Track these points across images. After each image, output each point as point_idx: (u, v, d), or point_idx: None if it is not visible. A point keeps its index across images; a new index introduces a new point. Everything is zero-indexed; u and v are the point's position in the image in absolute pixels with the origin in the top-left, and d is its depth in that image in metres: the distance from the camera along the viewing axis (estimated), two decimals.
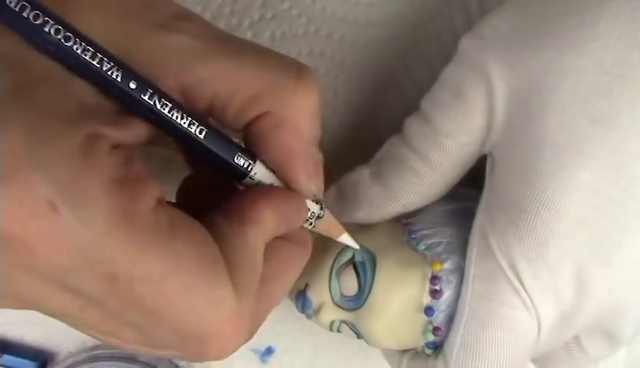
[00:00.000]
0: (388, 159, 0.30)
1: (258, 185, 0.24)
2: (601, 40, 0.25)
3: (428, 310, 0.28)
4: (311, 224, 0.26)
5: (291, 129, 0.22)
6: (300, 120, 0.22)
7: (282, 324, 0.40)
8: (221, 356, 0.21)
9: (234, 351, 0.22)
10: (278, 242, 0.24)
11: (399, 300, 0.29)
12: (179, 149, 0.28)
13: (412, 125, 0.29)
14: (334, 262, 0.30)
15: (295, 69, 0.22)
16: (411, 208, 0.30)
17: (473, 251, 0.28)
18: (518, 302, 0.27)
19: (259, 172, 0.23)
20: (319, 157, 0.24)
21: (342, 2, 0.33)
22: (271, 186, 0.24)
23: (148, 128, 0.22)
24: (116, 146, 0.20)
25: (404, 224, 0.30)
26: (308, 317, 0.31)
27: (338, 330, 0.31)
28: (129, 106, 0.20)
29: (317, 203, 0.26)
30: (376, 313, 0.29)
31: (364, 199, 0.31)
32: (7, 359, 0.39)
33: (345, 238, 0.28)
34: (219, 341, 0.21)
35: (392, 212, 0.30)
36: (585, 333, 0.29)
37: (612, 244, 0.25)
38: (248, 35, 0.34)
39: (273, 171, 0.23)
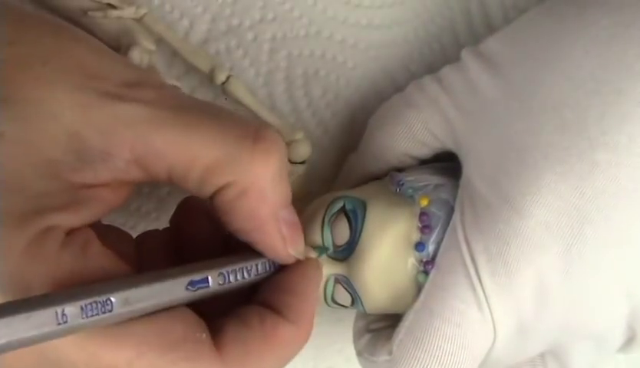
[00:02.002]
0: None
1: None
2: (575, 59, 0.26)
3: (419, 246, 0.28)
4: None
5: (256, 197, 0.22)
6: (264, 186, 0.22)
7: None
8: None
9: None
10: (279, 322, 0.23)
11: (388, 238, 0.29)
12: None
13: (391, 97, 0.32)
14: (325, 213, 0.30)
15: (251, 134, 0.22)
16: (379, 171, 0.32)
17: (443, 244, 0.28)
18: (471, 298, 0.26)
19: None
20: (293, 218, 0.24)
21: (344, 4, 0.33)
22: (301, 279, 0.25)
23: (112, 198, 0.22)
24: (72, 232, 0.20)
25: (392, 176, 0.31)
26: None
27: (333, 299, 0.31)
28: None
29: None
30: (367, 255, 0.29)
31: (346, 168, 0.33)
32: None
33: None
34: None
35: (360, 173, 0.32)
36: (548, 352, 0.28)
37: (575, 256, 0.25)
38: (249, 36, 0.34)
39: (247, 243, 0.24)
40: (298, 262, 0.25)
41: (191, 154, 0.21)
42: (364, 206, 0.30)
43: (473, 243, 0.26)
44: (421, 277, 0.29)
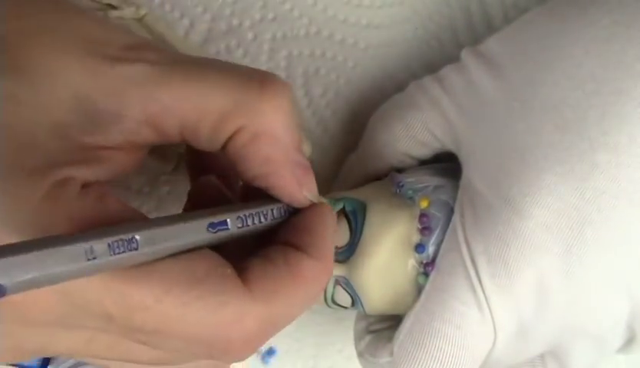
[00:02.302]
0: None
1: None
2: (575, 59, 0.25)
3: (419, 248, 0.28)
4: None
5: (269, 140, 0.22)
6: (276, 128, 0.22)
7: None
8: (240, 357, 0.22)
9: (249, 352, 0.22)
10: (304, 258, 0.23)
11: (389, 240, 0.29)
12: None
13: (392, 97, 0.32)
14: None
15: (257, 79, 0.22)
16: (379, 171, 0.32)
17: (443, 245, 0.28)
18: (471, 299, 0.26)
19: None
20: (304, 161, 0.24)
21: (344, 4, 0.34)
22: (323, 211, 0.25)
23: (124, 161, 0.22)
24: (88, 185, 0.20)
25: (392, 177, 0.31)
26: None
27: (333, 300, 0.31)
28: None
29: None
30: (367, 257, 0.29)
31: (346, 169, 0.33)
32: None
33: None
34: (238, 346, 0.21)
35: (360, 173, 0.32)
36: (548, 352, 0.28)
37: (575, 257, 0.25)
38: (249, 36, 0.34)
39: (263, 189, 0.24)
40: (313, 205, 0.25)
41: (200, 105, 0.21)
42: (364, 208, 0.29)
43: (473, 244, 0.26)
44: (421, 279, 0.29)
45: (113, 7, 0.30)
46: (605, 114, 0.24)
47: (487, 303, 0.26)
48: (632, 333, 0.26)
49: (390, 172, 0.31)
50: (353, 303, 0.30)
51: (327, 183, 0.36)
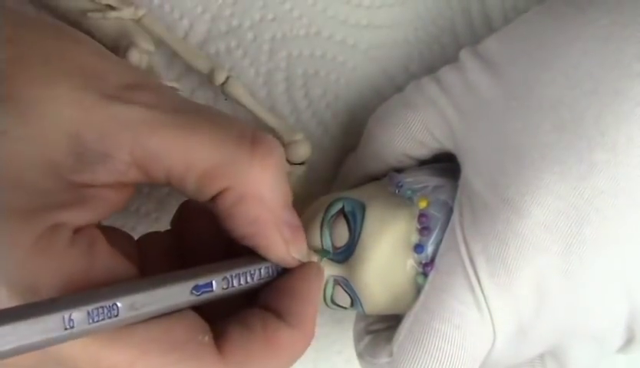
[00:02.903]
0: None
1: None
2: (573, 58, 0.25)
3: (417, 248, 0.28)
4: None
5: (255, 202, 0.22)
6: (264, 190, 0.22)
7: None
8: None
9: None
10: (282, 327, 0.23)
11: (387, 240, 0.29)
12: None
13: (391, 98, 0.32)
14: (324, 214, 0.30)
15: (249, 138, 0.22)
16: (378, 172, 0.32)
17: (442, 245, 0.28)
18: (470, 299, 0.26)
19: None
20: (295, 220, 0.24)
21: (344, 4, 0.33)
22: (305, 286, 0.25)
23: (114, 199, 0.22)
24: (79, 230, 0.20)
25: (391, 177, 0.31)
26: None
27: (332, 301, 0.31)
28: None
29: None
30: (366, 257, 0.29)
31: (345, 169, 0.33)
32: None
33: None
34: None
35: (359, 173, 0.32)
36: (547, 353, 0.28)
37: (574, 257, 0.25)
38: (248, 37, 0.34)
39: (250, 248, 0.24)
40: (301, 266, 0.25)
41: (188, 158, 0.21)
42: (363, 208, 0.29)
43: (471, 244, 0.26)
44: (420, 279, 0.28)
45: (111, 7, 0.29)
46: (602, 114, 0.24)
47: (486, 303, 0.26)
48: (632, 333, 0.26)
49: (389, 172, 0.31)
50: (352, 304, 0.30)
51: (327, 184, 0.36)
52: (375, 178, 0.32)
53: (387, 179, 0.31)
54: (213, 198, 0.22)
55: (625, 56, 0.24)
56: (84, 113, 0.20)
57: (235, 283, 0.23)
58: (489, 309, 0.26)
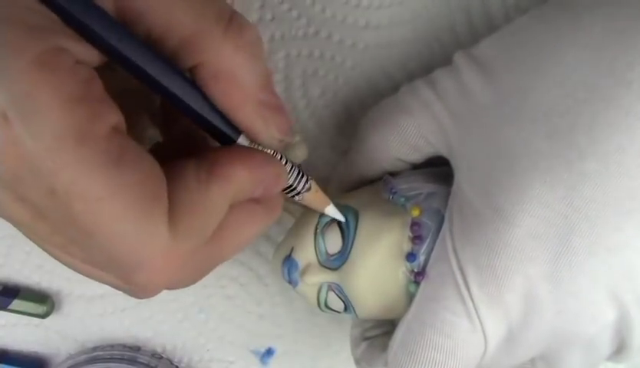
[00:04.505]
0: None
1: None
2: (567, 65, 0.25)
3: (410, 256, 0.28)
4: (295, 194, 0.27)
5: (228, 81, 0.22)
6: (237, 69, 0.22)
7: (281, 326, 0.40)
8: (149, 287, 0.22)
9: (163, 287, 0.22)
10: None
11: (380, 248, 0.29)
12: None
13: (384, 100, 0.32)
14: (318, 221, 0.30)
15: (226, 16, 0.22)
16: (372, 175, 0.32)
17: (433, 254, 0.28)
18: (461, 309, 0.26)
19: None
20: (274, 100, 0.24)
21: (342, 4, 0.33)
22: (253, 149, 0.24)
23: None
24: (80, 62, 0.20)
25: (385, 182, 0.31)
26: (295, 284, 0.31)
27: (326, 305, 0.31)
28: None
29: (303, 176, 0.26)
30: (359, 265, 0.29)
31: (339, 171, 0.33)
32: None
33: (331, 210, 0.28)
34: (147, 273, 0.21)
35: (353, 176, 0.32)
36: (538, 358, 0.28)
37: (564, 265, 0.25)
38: None
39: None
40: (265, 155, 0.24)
41: (168, 22, 0.21)
42: (356, 215, 0.29)
43: (461, 253, 0.26)
44: (412, 287, 0.29)
45: None
46: (594, 123, 0.24)
47: (476, 313, 0.26)
48: (621, 340, 0.26)
49: (383, 176, 0.31)
50: (345, 309, 0.30)
51: (326, 183, 0.35)
52: (369, 180, 0.32)
53: (381, 184, 0.31)
54: (192, 70, 0.22)
55: (619, 64, 0.24)
56: None
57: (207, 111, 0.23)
58: (479, 318, 0.26)
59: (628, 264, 0.25)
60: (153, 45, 0.22)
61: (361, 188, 0.32)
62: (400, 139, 0.30)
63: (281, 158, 0.26)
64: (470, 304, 0.26)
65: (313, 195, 0.27)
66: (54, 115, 0.19)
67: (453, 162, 0.29)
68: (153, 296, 0.23)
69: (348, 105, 0.35)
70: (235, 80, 0.22)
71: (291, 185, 0.26)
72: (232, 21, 0.22)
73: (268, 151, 0.25)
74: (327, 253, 0.30)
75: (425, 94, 0.29)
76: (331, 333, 0.39)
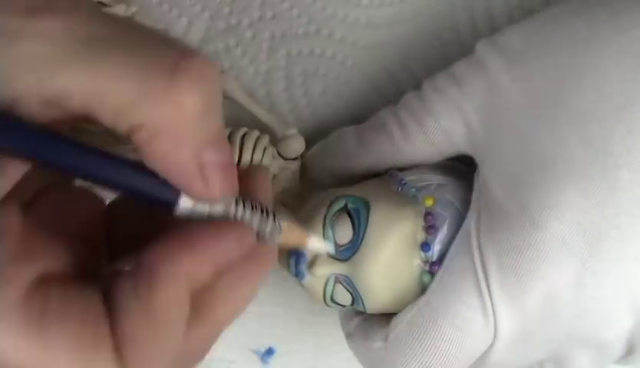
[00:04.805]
0: (375, 120, 0.31)
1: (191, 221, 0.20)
2: (604, 69, 0.25)
3: (424, 246, 0.28)
4: (266, 232, 0.23)
5: (169, 140, 0.19)
6: (182, 126, 0.19)
7: (282, 325, 0.40)
8: None
9: None
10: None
11: (394, 238, 0.28)
12: None
13: (407, 97, 0.30)
14: (327, 211, 0.30)
15: (167, 68, 0.19)
16: (378, 169, 0.31)
17: (454, 246, 0.28)
18: (477, 304, 0.26)
19: (186, 203, 0.20)
20: (221, 157, 0.20)
21: (343, 2, 0.33)
22: (197, 224, 0.21)
23: (20, 169, 0.20)
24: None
25: (392, 175, 0.30)
26: (302, 276, 0.30)
27: (332, 299, 0.30)
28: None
29: (268, 217, 0.23)
30: (372, 255, 0.28)
31: (340, 150, 0.32)
32: None
33: (314, 243, 0.25)
34: None
35: (360, 167, 0.31)
36: (548, 359, 0.28)
37: (589, 272, 0.25)
38: (247, 35, 0.34)
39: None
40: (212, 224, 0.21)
41: (100, 92, 0.19)
42: (367, 205, 0.29)
43: (485, 250, 0.26)
44: (426, 278, 0.28)
45: (103, 4, 0.29)
46: (630, 131, 0.24)
47: (493, 311, 0.26)
48: (632, 346, 0.26)
49: (389, 170, 0.31)
50: (353, 302, 0.30)
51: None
52: (372, 175, 0.32)
53: (387, 177, 0.31)
54: (129, 135, 0.19)
55: None
56: None
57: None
58: (494, 316, 0.26)
59: None
60: (91, 119, 0.19)
61: (367, 181, 0.32)
62: (426, 142, 0.29)
63: (237, 204, 0.22)
64: (488, 302, 0.26)
65: (288, 235, 0.24)
66: None
67: (479, 159, 0.28)
68: None
69: (349, 103, 0.35)
70: (179, 140, 0.19)
71: (257, 232, 0.22)
72: (178, 70, 0.19)
73: (218, 207, 0.21)
74: (336, 243, 0.29)
75: (451, 93, 0.28)
76: (332, 332, 0.39)
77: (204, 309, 0.21)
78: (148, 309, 0.19)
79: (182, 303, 0.20)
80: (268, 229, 0.23)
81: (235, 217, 0.22)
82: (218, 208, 0.21)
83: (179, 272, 0.19)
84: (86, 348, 0.19)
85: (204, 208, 0.21)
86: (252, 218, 0.22)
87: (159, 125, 0.19)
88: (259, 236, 0.22)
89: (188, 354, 0.21)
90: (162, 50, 0.19)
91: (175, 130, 0.19)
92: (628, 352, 0.27)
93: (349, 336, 0.31)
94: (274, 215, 0.23)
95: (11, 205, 0.19)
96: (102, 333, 0.19)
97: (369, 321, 0.30)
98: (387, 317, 0.30)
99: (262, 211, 0.23)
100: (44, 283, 0.19)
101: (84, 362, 0.19)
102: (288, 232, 0.24)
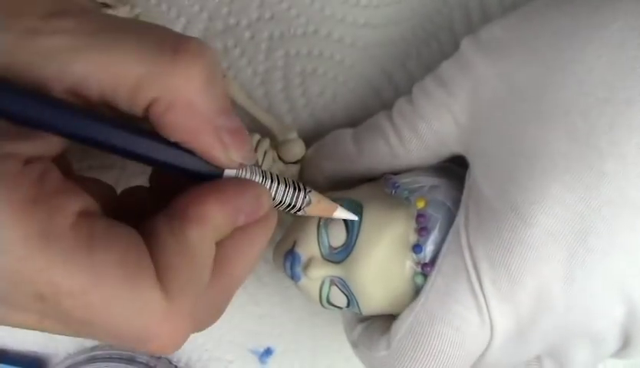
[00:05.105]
0: (370, 125, 0.32)
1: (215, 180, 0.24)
2: (587, 63, 0.25)
3: (416, 248, 0.28)
4: (297, 210, 0.27)
5: (183, 109, 0.22)
6: (191, 97, 0.22)
7: (281, 325, 0.40)
8: (167, 349, 0.22)
9: (179, 345, 0.22)
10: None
11: (386, 240, 0.29)
12: None
13: (399, 103, 0.31)
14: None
15: (170, 47, 0.22)
16: (375, 173, 0.31)
17: (445, 246, 0.28)
18: (472, 303, 0.26)
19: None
20: (233, 123, 0.23)
21: (341, 3, 0.33)
22: (225, 180, 0.24)
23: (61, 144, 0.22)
24: (30, 161, 0.20)
25: (386, 178, 0.31)
26: (297, 278, 0.30)
27: (328, 301, 0.31)
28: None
29: (300, 191, 0.27)
30: (364, 257, 0.29)
31: (337, 153, 0.32)
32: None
33: (341, 214, 0.28)
34: (157, 341, 0.21)
35: (357, 171, 0.32)
36: (545, 354, 0.28)
37: (578, 264, 0.25)
38: (246, 35, 0.34)
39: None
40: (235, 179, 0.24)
41: (115, 74, 0.21)
42: (360, 208, 0.29)
43: (475, 248, 0.26)
44: (419, 279, 0.28)
45: (107, 5, 0.29)
46: (614, 123, 0.24)
47: (487, 308, 0.26)
48: (627, 337, 0.26)
49: (383, 174, 0.31)
50: (348, 304, 0.30)
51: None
52: (367, 179, 0.32)
53: (382, 180, 0.31)
54: (145, 111, 0.22)
55: (639, 64, 0.24)
56: (11, 52, 0.21)
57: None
58: (489, 313, 0.26)
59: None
60: (110, 103, 0.22)
61: (362, 185, 0.32)
62: (423, 145, 0.30)
63: (272, 181, 0.26)
64: (482, 299, 0.26)
65: (316, 206, 0.27)
66: (12, 225, 0.19)
67: (470, 158, 0.28)
68: (177, 350, 0.23)
69: (347, 103, 0.35)
70: (188, 109, 0.22)
71: (290, 204, 0.27)
72: (179, 49, 0.22)
73: (257, 178, 0.25)
74: (330, 246, 0.30)
75: (439, 96, 0.29)
76: (331, 332, 0.39)
77: (223, 262, 0.23)
78: (182, 243, 0.22)
79: (209, 243, 0.22)
80: (300, 200, 0.27)
81: (270, 189, 0.26)
82: (256, 178, 0.25)
83: (207, 215, 0.22)
84: (130, 273, 0.20)
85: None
86: (285, 189, 0.26)
87: (171, 96, 0.22)
88: (293, 206, 0.27)
89: (210, 304, 0.24)
90: (163, 36, 0.22)
91: (186, 98, 0.22)
92: (625, 344, 0.27)
93: (354, 345, 0.32)
94: (305, 189, 0.27)
95: (49, 161, 0.21)
96: (144, 260, 0.21)
97: (371, 329, 0.31)
98: (388, 323, 0.30)
99: (294, 185, 0.27)
100: (88, 215, 0.21)
101: (129, 283, 0.20)
102: (317, 204, 0.27)
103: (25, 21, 0.21)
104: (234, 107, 0.33)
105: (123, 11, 0.30)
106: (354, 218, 0.29)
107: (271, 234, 0.25)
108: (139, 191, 0.27)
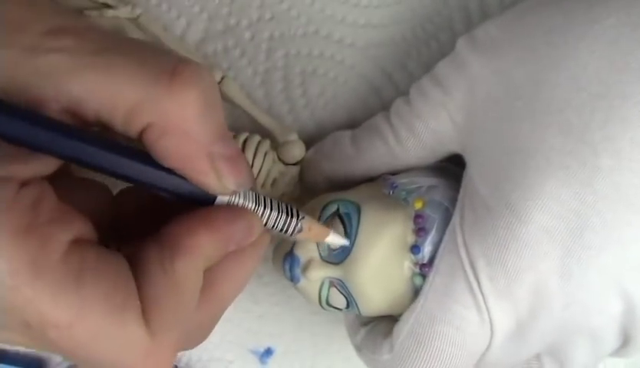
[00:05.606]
0: (369, 126, 0.32)
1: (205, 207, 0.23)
2: (580, 59, 0.25)
3: (414, 249, 0.28)
4: (289, 235, 0.27)
5: (176, 136, 0.22)
6: (185, 123, 0.22)
7: (281, 325, 0.40)
8: None
9: None
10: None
11: (384, 241, 0.29)
12: None
13: (396, 104, 0.31)
14: (320, 216, 0.30)
15: (168, 71, 0.22)
16: (374, 174, 0.32)
17: (442, 246, 0.28)
18: (471, 302, 0.26)
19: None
20: (230, 150, 0.23)
21: (341, 3, 0.33)
22: (216, 207, 0.24)
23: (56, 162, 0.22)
24: (26, 183, 0.20)
25: (384, 179, 0.31)
26: (296, 280, 0.31)
27: (327, 302, 0.31)
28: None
29: (293, 216, 0.26)
30: (363, 258, 0.29)
31: (336, 154, 0.32)
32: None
33: (333, 239, 0.29)
34: None
35: (356, 172, 0.32)
36: (545, 352, 0.28)
37: (574, 259, 0.25)
38: (246, 36, 0.34)
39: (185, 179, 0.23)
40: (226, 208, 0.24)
41: (111, 97, 0.21)
42: (358, 209, 0.29)
43: (471, 247, 0.26)
44: (417, 280, 0.28)
45: (108, 6, 0.29)
46: (608, 119, 0.24)
47: (486, 306, 0.26)
48: (627, 335, 0.26)
49: (381, 175, 0.31)
50: (348, 305, 0.30)
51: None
52: (365, 180, 0.32)
53: (380, 180, 0.31)
54: (140, 135, 0.22)
55: (634, 59, 0.24)
56: (10, 69, 0.20)
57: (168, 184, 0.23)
58: (488, 311, 0.26)
59: (637, 258, 0.25)
60: (105, 124, 0.22)
61: (360, 185, 0.32)
62: (420, 145, 0.30)
63: (265, 207, 0.25)
64: (480, 297, 0.26)
65: (308, 233, 0.27)
66: (4, 253, 0.19)
67: (466, 157, 0.29)
68: None
69: (347, 103, 0.35)
70: (182, 136, 0.22)
71: (282, 229, 0.27)
72: (176, 75, 0.21)
73: (250, 204, 0.25)
74: (329, 248, 0.30)
75: (435, 96, 0.29)
76: (331, 332, 0.39)
77: (213, 285, 0.23)
78: (170, 276, 0.21)
79: (198, 274, 0.22)
80: (292, 226, 0.26)
81: (262, 215, 0.25)
82: (248, 205, 0.25)
83: (197, 245, 0.22)
84: (117, 308, 0.20)
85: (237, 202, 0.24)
86: (278, 215, 0.26)
87: (165, 122, 0.21)
88: (285, 231, 0.26)
89: (198, 327, 0.24)
90: (161, 59, 0.22)
91: (180, 126, 0.22)
92: (624, 342, 0.27)
93: (358, 349, 0.32)
94: (298, 216, 0.27)
95: (45, 182, 0.21)
96: (131, 293, 0.21)
97: (373, 332, 0.31)
98: (390, 326, 0.30)
99: (287, 211, 0.26)
100: (80, 244, 0.21)
101: (114, 320, 0.20)
102: (309, 231, 0.27)
103: (26, 37, 0.21)
104: (234, 108, 0.33)
105: (124, 12, 0.30)
106: (346, 242, 0.29)
107: (262, 255, 0.25)
108: (134, 191, 0.27)
